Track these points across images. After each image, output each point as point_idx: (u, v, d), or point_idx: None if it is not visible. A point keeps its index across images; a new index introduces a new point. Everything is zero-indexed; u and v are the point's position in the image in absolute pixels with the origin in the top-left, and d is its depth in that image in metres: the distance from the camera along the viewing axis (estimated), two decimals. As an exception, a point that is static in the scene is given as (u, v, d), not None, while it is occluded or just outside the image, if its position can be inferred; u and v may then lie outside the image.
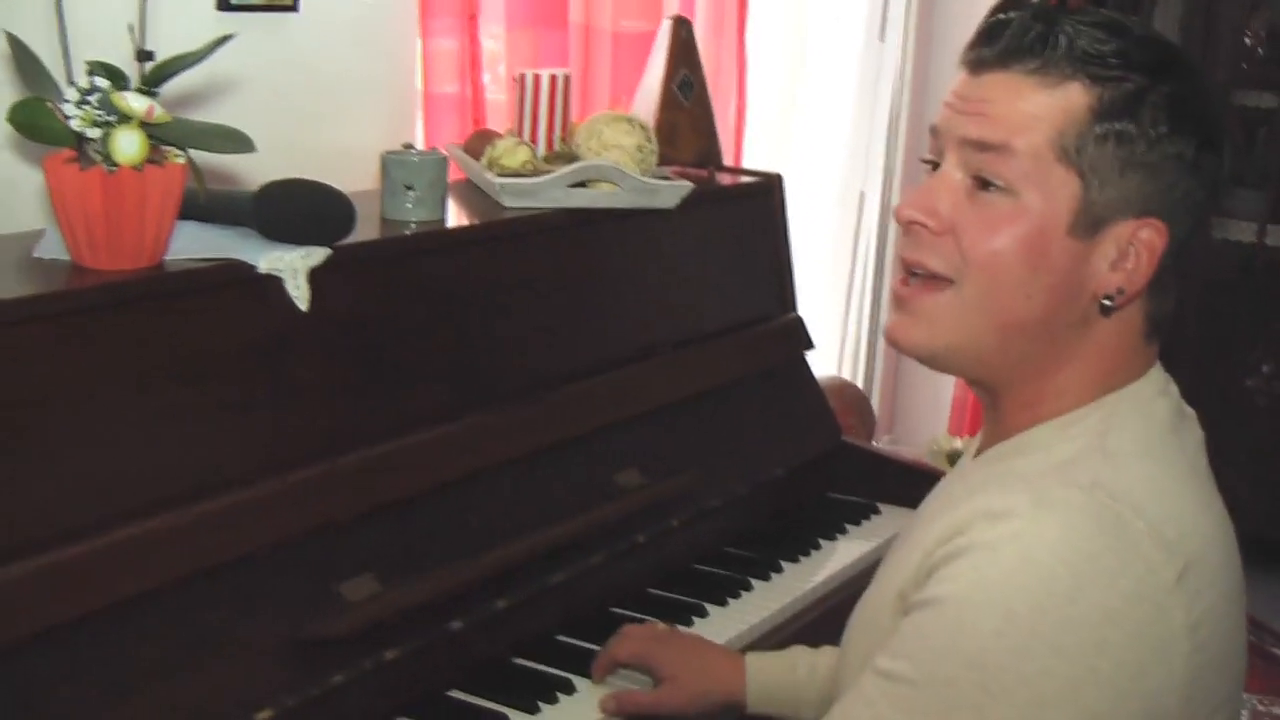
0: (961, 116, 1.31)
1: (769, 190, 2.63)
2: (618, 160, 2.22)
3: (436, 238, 2.00)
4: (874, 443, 3.19)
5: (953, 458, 2.86)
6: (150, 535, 1.58)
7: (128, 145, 1.60)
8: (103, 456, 1.58)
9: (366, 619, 1.73)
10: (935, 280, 1.32)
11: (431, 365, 1.95)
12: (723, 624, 2.10)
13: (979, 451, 1.44)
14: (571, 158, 2.25)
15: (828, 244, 3.56)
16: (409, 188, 2.01)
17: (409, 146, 2.08)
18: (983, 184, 1.29)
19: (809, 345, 2.65)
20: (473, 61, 2.49)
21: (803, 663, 1.80)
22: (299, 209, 1.81)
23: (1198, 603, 1.21)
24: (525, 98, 2.33)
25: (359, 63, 2.41)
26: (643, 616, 2.07)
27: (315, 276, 1.79)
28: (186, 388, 1.66)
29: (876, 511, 2.55)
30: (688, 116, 2.60)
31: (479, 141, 2.36)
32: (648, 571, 2.20)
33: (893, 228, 3.86)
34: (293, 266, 1.77)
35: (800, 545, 2.37)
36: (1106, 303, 1.29)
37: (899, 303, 1.36)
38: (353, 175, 2.24)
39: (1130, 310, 1.31)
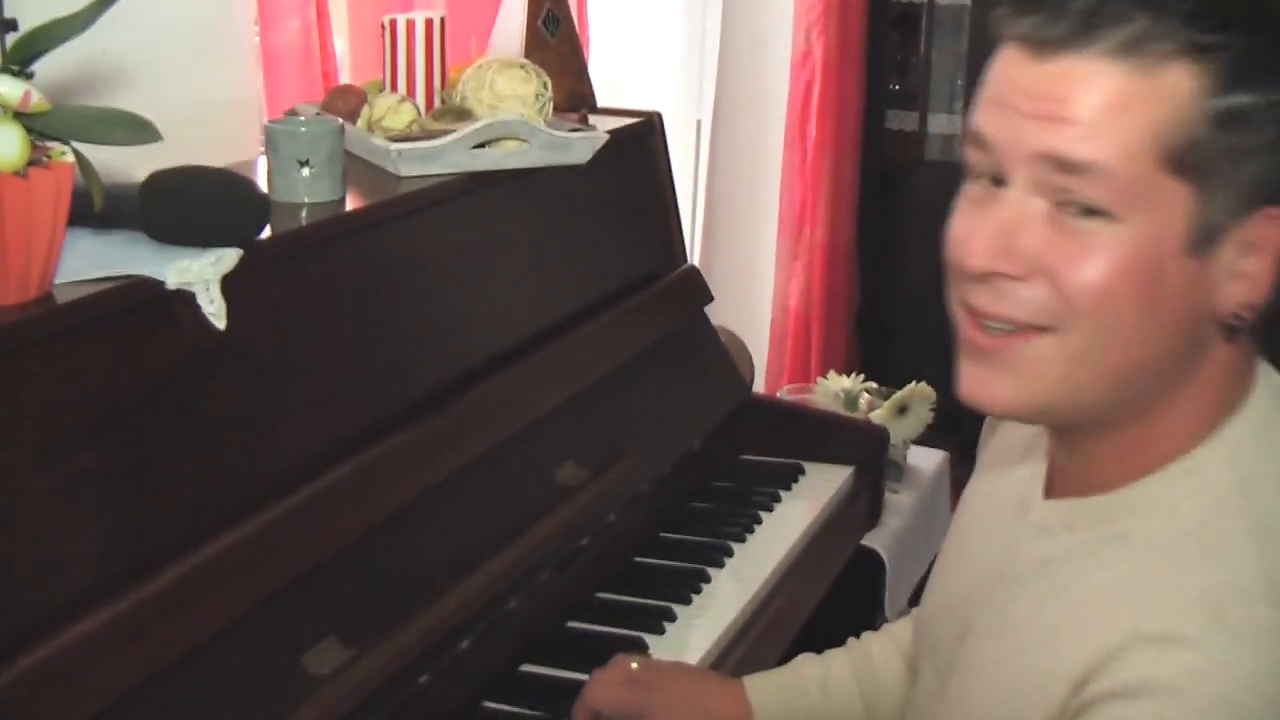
0: (1031, 123, 1.03)
1: (650, 131, 2.38)
2: (519, 113, 1.94)
3: (358, 220, 1.70)
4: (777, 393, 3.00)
5: (848, 399, 2.68)
6: (66, 650, 1.22)
7: (6, 145, 1.25)
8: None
9: (341, 695, 1.44)
10: (1029, 329, 1.07)
11: (358, 375, 1.65)
12: (698, 625, 1.88)
13: (1050, 486, 1.21)
14: (462, 113, 1.96)
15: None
16: (303, 163, 1.69)
17: (293, 113, 1.76)
18: (1077, 210, 1.03)
19: (708, 298, 2.42)
20: (318, 6, 2.16)
21: (812, 681, 1.58)
22: (201, 204, 1.48)
23: None
24: (396, 46, 2.02)
25: (195, 9, 2.05)
26: (605, 630, 1.84)
27: (226, 285, 1.47)
28: (90, 450, 1.32)
29: (802, 471, 2.35)
30: (555, 55, 2.32)
31: (342, 100, 2.04)
32: (594, 575, 1.96)
33: (727, 158, 3.64)
34: (203, 276, 1.45)
35: (742, 522, 2.16)
36: (1235, 323, 1.06)
37: (978, 354, 1.10)
38: (198, 144, 1.90)
39: None
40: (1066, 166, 1.01)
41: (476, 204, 1.89)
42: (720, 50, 3.53)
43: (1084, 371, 1.06)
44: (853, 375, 2.80)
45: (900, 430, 2.69)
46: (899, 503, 2.69)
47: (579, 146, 1.97)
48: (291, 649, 1.45)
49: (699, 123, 3.45)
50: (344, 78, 2.35)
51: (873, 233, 4.50)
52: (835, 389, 2.74)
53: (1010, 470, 1.30)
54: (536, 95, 1.96)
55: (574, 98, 2.33)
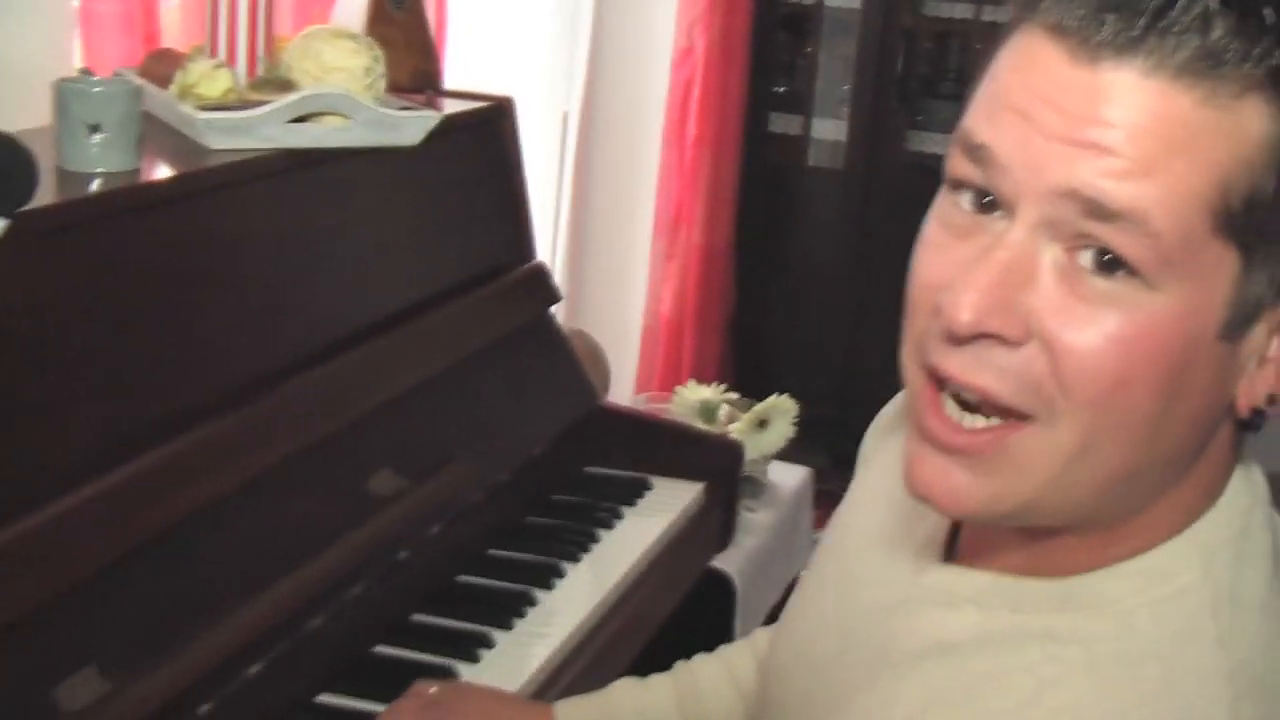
0: (1061, 148, 0.80)
1: (500, 117, 2.22)
2: (345, 86, 1.77)
3: (150, 194, 1.53)
4: (619, 399, 2.84)
5: (706, 409, 2.54)
6: None
7: None
8: None
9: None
10: (1007, 425, 0.85)
11: (146, 366, 1.48)
12: (518, 653, 1.72)
13: (957, 546, 1.01)
14: (285, 84, 1.79)
15: (530, 171, 3.15)
16: (94, 128, 1.52)
17: (86, 72, 1.59)
18: (1100, 264, 0.81)
19: (556, 297, 2.27)
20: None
21: (628, 710, 1.42)
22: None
23: None
24: (218, 10, 1.84)
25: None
26: (414, 656, 1.68)
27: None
28: None
29: (648, 486, 2.20)
30: (400, 31, 2.15)
31: (160, 64, 1.86)
32: (410, 594, 1.79)
33: (600, 153, 3.49)
34: (-46, 248, 1.27)
35: (577, 540, 2.00)
36: (1256, 419, 0.88)
37: (938, 445, 0.88)
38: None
39: None
40: (1098, 211, 0.79)
41: (293, 183, 1.73)
42: (594, 40, 3.38)
43: (1076, 473, 0.85)
44: (714, 385, 2.66)
45: (760, 445, 2.55)
46: (756, 522, 2.55)
47: (409, 127, 1.81)
48: (43, 681, 1.28)
49: (566, 114, 3.30)
50: (172, 42, 2.17)
51: (752, 237, 4.38)
52: (693, 399, 2.60)
53: (901, 509, 1.07)
54: (366, 69, 1.80)
55: (419, 77, 2.17)
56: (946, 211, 0.88)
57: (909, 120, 4.23)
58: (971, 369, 0.84)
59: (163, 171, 1.61)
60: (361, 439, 1.75)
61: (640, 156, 3.87)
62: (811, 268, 4.49)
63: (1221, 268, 0.81)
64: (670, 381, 4.01)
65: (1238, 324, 0.83)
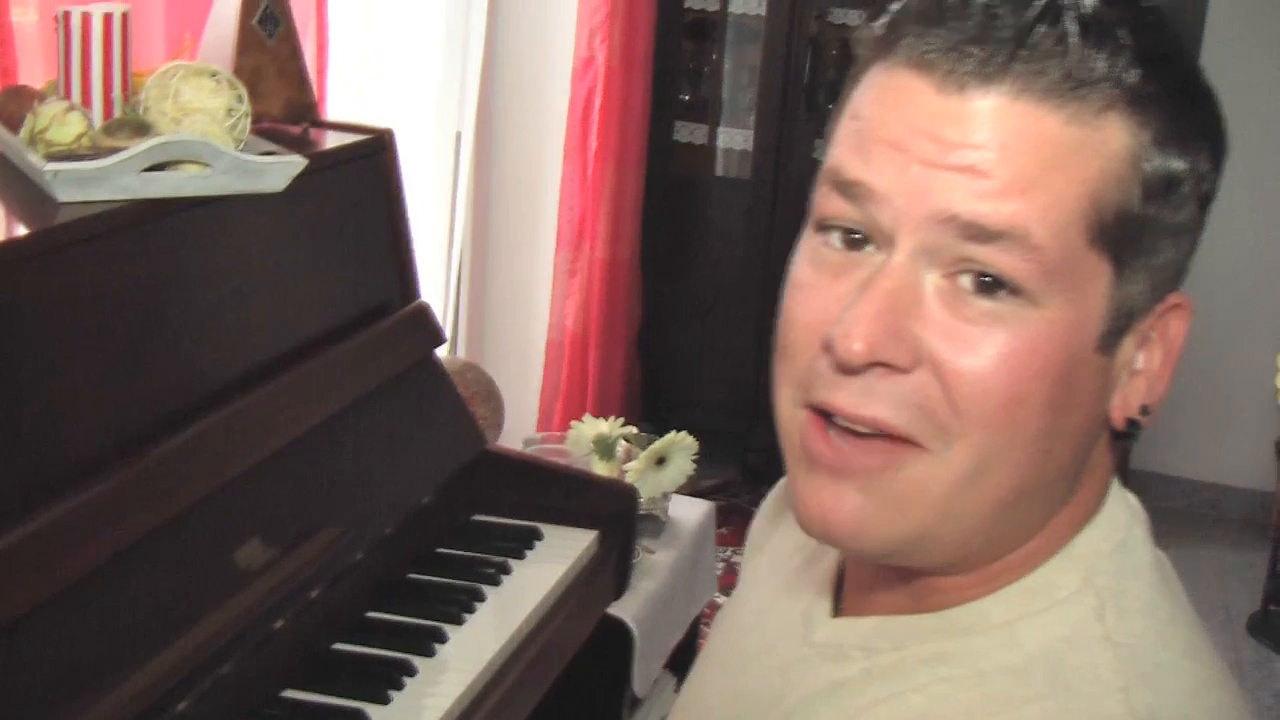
0: (939, 175, 0.81)
1: (380, 150, 2.12)
2: (204, 130, 1.67)
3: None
4: (507, 440, 2.74)
5: (603, 445, 2.46)
6: None
7: None
8: None
9: None
10: (899, 444, 0.84)
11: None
12: (393, 731, 1.63)
13: (843, 603, 0.99)
14: (141, 126, 1.68)
15: (422, 194, 3.04)
16: (-80, 187, 1.41)
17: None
18: (980, 286, 0.82)
19: (440, 339, 2.17)
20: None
21: None
22: None
23: None
24: (71, 44, 1.73)
25: None
26: (287, 736, 1.59)
27: None
28: None
29: (539, 536, 2.11)
30: (273, 60, 2.05)
31: (13, 103, 1.74)
32: (283, 666, 1.69)
33: (500, 171, 3.40)
34: None
35: (460, 600, 1.90)
36: (1132, 430, 0.88)
37: (829, 469, 0.86)
38: None
39: None
40: (978, 234, 0.80)
41: (149, 235, 1.62)
42: (488, 53, 3.28)
43: (968, 497, 0.84)
44: (611, 419, 2.57)
45: (659, 483, 2.47)
46: (655, 563, 2.47)
47: (273, 173, 1.70)
48: None
49: (459, 135, 3.19)
50: (33, 76, 2.05)
51: (658, 249, 4.30)
52: (590, 434, 2.51)
53: (790, 577, 1.06)
54: (228, 109, 1.69)
55: (294, 109, 2.06)
56: (817, 251, 0.88)
57: (816, 128, 4.17)
58: (862, 401, 0.84)
59: (5, 228, 1.50)
60: (233, 503, 1.65)
61: (541, 171, 3.78)
62: (719, 278, 4.41)
63: (1096, 280, 0.83)
64: (576, 397, 3.94)
65: (1112, 335, 0.85)
